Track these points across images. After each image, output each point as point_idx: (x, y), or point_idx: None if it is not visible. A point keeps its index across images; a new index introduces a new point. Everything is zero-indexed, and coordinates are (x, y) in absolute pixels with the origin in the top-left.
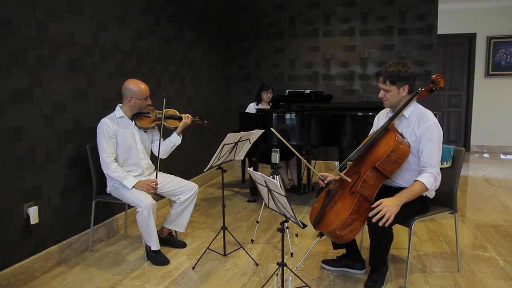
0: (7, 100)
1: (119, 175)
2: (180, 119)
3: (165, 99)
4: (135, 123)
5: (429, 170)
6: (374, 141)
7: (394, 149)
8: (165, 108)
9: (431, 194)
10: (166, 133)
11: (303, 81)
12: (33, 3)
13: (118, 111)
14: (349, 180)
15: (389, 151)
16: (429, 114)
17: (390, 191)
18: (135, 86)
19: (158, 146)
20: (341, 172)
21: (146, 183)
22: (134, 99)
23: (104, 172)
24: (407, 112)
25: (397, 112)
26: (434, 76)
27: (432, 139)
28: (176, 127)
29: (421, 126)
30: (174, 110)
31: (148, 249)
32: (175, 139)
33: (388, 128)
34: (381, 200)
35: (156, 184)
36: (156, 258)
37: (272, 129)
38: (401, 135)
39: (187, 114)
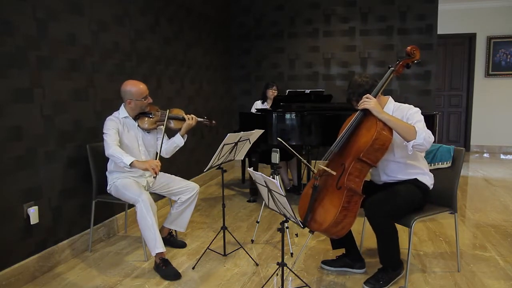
0: (7, 100)
1: (119, 155)
2: (184, 120)
3: (168, 112)
4: (138, 125)
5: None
6: (355, 129)
7: (376, 136)
8: (169, 109)
9: (430, 184)
10: (170, 134)
11: (303, 81)
12: (33, 3)
13: (122, 110)
14: (334, 173)
15: (372, 140)
16: (410, 106)
17: (389, 186)
18: (133, 87)
19: (163, 146)
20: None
21: (148, 162)
22: (134, 101)
23: (106, 154)
24: (389, 112)
25: (378, 90)
26: (409, 48)
27: (419, 121)
28: (180, 128)
29: (405, 115)
30: (179, 110)
31: (157, 262)
32: (178, 140)
33: (366, 113)
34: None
35: (159, 164)
36: (167, 272)
37: (279, 138)
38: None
39: (192, 115)
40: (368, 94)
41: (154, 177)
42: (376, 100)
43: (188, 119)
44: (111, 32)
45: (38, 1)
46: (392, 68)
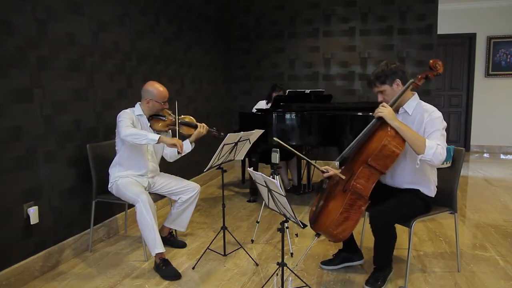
0: (7, 100)
1: (143, 133)
2: (196, 127)
3: (177, 103)
4: (150, 125)
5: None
6: (368, 135)
7: (386, 143)
8: (182, 115)
9: (433, 193)
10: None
11: (303, 81)
12: (33, 3)
13: (138, 108)
14: (343, 177)
15: (381, 146)
16: (434, 109)
17: (391, 191)
18: (155, 89)
19: (169, 150)
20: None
21: (175, 138)
22: (153, 102)
23: (124, 135)
24: (409, 109)
25: (395, 99)
26: (432, 61)
27: (437, 130)
28: (190, 135)
29: (425, 120)
30: (191, 118)
31: (157, 262)
32: (185, 146)
33: (382, 121)
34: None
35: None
36: (167, 272)
37: (275, 138)
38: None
39: (203, 124)
40: (384, 103)
41: (179, 152)
42: (391, 108)
43: (200, 127)
44: (111, 32)
45: (38, 1)
46: (412, 80)
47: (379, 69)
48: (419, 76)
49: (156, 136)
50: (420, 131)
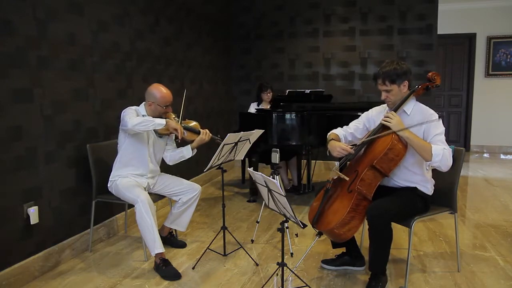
0: (7, 100)
1: (150, 119)
2: (199, 133)
3: (185, 93)
4: None
5: (441, 145)
6: (373, 140)
7: (391, 147)
8: (187, 119)
9: (430, 191)
10: (181, 144)
11: (303, 81)
12: (33, 3)
13: (142, 108)
14: (347, 179)
15: (386, 149)
16: (432, 111)
17: (388, 190)
18: (159, 93)
19: (169, 153)
20: (340, 171)
21: (178, 124)
22: (155, 105)
23: (131, 125)
24: (408, 108)
25: (396, 108)
26: (430, 74)
27: (440, 133)
28: (193, 140)
29: (426, 121)
30: (197, 124)
31: (157, 262)
32: (186, 152)
33: (384, 126)
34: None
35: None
36: (167, 272)
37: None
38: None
39: (206, 130)
40: (392, 111)
41: (178, 140)
42: (399, 117)
43: (203, 134)
44: (111, 32)
45: (38, 1)
46: (413, 90)
47: (390, 67)
48: (420, 86)
49: (163, 121)
50: (419, 132)
